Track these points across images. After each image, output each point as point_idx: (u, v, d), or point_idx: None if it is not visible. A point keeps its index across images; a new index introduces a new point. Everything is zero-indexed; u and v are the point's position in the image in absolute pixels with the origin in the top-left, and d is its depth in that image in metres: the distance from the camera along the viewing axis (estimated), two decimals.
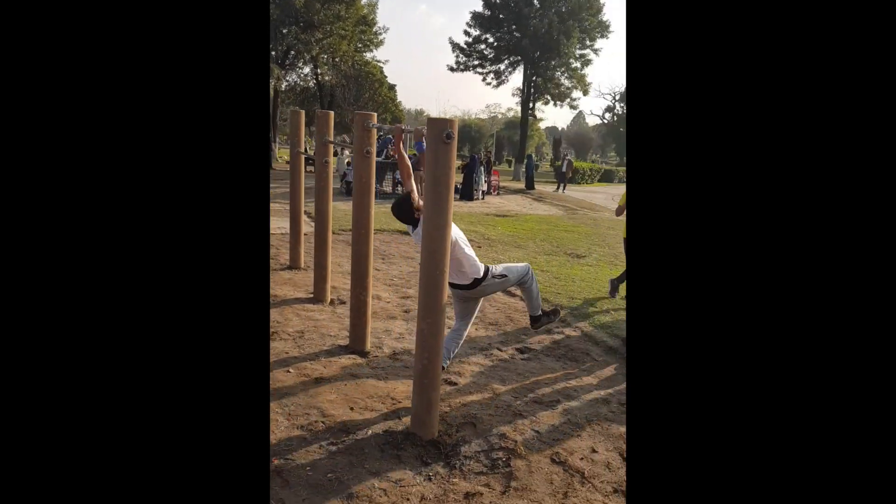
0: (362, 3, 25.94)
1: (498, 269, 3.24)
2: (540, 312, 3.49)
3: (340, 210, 9.14)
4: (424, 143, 2.55)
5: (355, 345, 3.72)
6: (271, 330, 3.95)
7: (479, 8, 28.90)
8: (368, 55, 29.78)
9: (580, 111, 65.70)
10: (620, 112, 47.87)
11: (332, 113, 4.61)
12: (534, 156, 22.73)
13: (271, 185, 12.74)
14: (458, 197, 13.92)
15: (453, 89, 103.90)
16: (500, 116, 48.18)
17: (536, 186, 19.76)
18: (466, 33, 29.17)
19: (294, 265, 5.77)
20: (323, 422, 2.80)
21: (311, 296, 4.81)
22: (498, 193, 16.84)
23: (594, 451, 2.73)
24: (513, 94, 41.18)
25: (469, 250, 3.10)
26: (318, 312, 4.45)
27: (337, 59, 26.69)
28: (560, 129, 63.24)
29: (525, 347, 4.08)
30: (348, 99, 25.84)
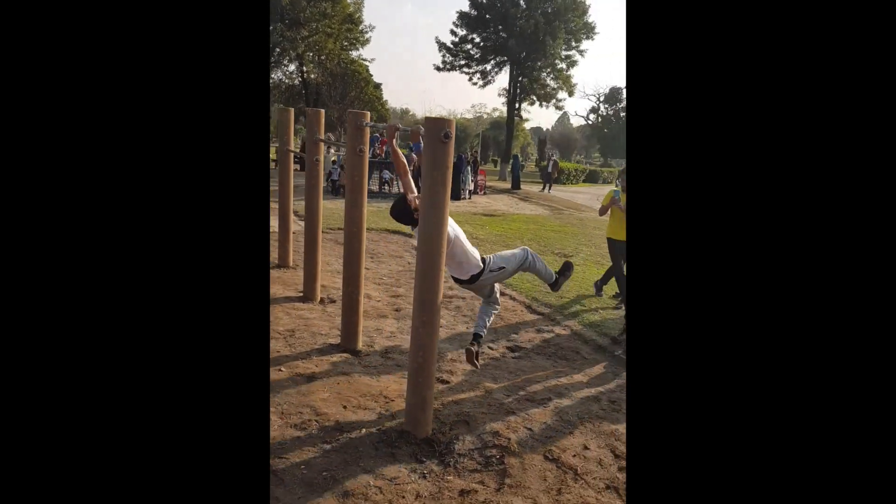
0: (348, 1, 25.83)
1: (495, 262, 3.25)
2: (554, 278, 3.55)
3: (328, 209, 9.09)
4: (422, 144, 2.56)
5: (347, 343, 3.72)
6: None
7: (466, 8, 28.94)
8: (354, 53, 29.69)
9: (565, 112, 66.10)
10: (604, 113, 48.27)
11: (322, 111, 4.59)
12: (519, 156, 22.81)
13: None
14: None
15: (439, 89, 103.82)
16: (485, 116, 48.29)
17: (522, 186, 19.83)
18: (453, 33, 29.23)
19: (283, 264, 5.74)
20: (316, 420, 2.80)
21: (301, 294, 4.79)
22: (485, 193, 16.87)
23: (586, 448, 2.76)
24: (499, 95, 41.32)
25: (468, 246, 3.13)
26: (309, 311, 4.43)
27: (323, 57, 26.57)
28: (545, 129, 63.50)
29: (516, 346, 4.10)
30: (334, 97, 25.72)
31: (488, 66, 29.75)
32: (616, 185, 6.07)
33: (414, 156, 3.38)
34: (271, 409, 2.86)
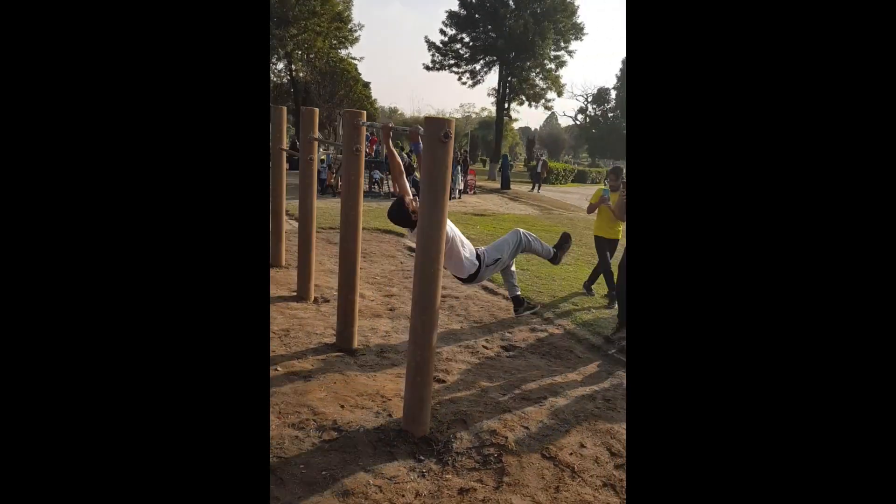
0: None
1: (490, 255, 3.27)
2: (553, 253, 3.58)
3: (318, 208, 9.06)
4: (421, 144, 2.57)
5: (342, 343, 3.72)
6: None
7: (455, 7, 28.95)
8: (343, 52, 29.57)
9: (553, 112, 66.28)
10: (592, 114, 48.51)
11: (316, 110, 4.58)
12: (508, 156, 22.88)
13: None
14: None
15: (427, 88, 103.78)
16: (473, 116, 48.33)
17: (512, 186, 19.89)
18: (443, 32, 29.23)
19: (275, 263, 5.72)
20: (314, 420, 2.80)
21: (295, 294, 4.78)
22: (474, 192, 16.91)
23: (583, 446, 2.79)
24: (488, 94, 41.39)
25: (466, 245, 3.15)
26: (303, 311, 4.43)
27: (312, 56, 26.44)
28: (533, 129, 63.71)
29: (510, 345, 4.13)
30: (323, 96, 25.60)
31: (478, 66, 29.81)
32: (604, 185, 6.13)
33: (405, 155, 3.42)
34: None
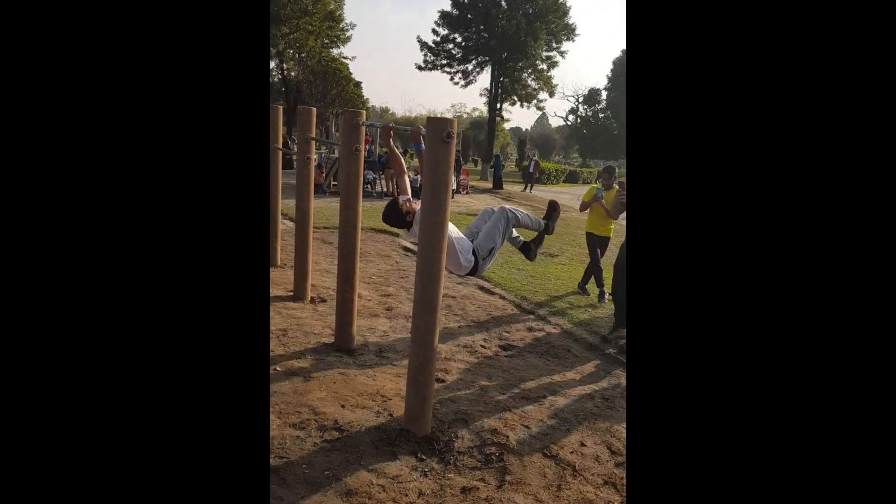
0: None
1: (483, 247, 3.25)
2: (543, 224, 3.58)
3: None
4: (423, 144, 2.58)
5: (341, 342, 3.71)
6: None
7: (447, 7, 28.97)
8: (335, 51, 29.47)
9: (544, 112, 66.53)
10: (583, 114, 48.70)
11: (314, 109, 4.57)
12: (500, 156, 22.93)
13: None
14: None
15: (418, 88, 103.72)
16: (465, 116, 48.37)
17: (504, 186, 19.93)
18: (435, 32, 29.21)
19: (271, 263, 5.70)
20: (315, 420, 2.79)
21: (292, 294, 4.77)
22: (467, 192, 16.92)
23: (583, 444, 2.81)
24: (480, 94, 41.46)
25: (464, 241, 3.15)
26: (300, 311, 4.41)
27: (303, 55, 26.33)
28: (524, 129, 63.89)
29: (508, 344, 4.14)
30: (315, 95, 25.50)
31: (470, 66, 29.82)
32: (597, 183, 6.17)
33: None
34: (269, 409, 2.84)
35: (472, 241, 3.29)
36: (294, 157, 4.92)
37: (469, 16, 28.07)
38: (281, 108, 5.50)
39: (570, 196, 19.85)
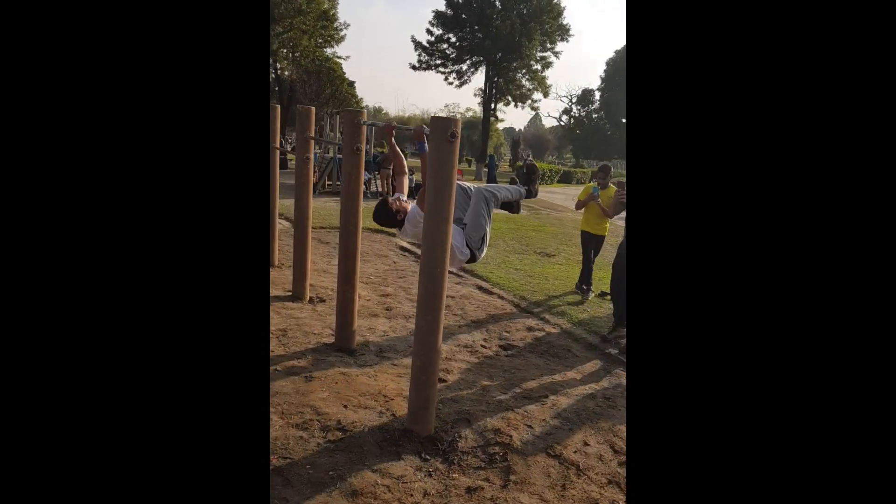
0: None
1: (475, 236, 3.18)
2: (524, 191, 3.51)
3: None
4: (426, 144, 2.57)
5: (342, 342, 3.70)
6: None
7: (440, 7, 28.97)
8: (329, 51, 29.40)
9: (537, 113, 66.66)
10: (577, 115, 48.83)
11: (313, 109, 4.56)
12: (494, 156, 22.93)
13: None
14: None
15: (411, 88, 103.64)
16: (458, 116, 48.30)
17: None
18: (429, 32, 29.21)
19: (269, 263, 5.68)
20: (318, 420, 2.78)
21: (290, 294, 4.75)
22: None
23: (586, 444, 2.81)
24: (475, 95, 41.44)
25: (457, 236, 3.14)
26: (299, 311, 4.40)
27: (297, 55, 26.25)
28: (518, 129, 63.96)
29: (508, 344, 4.14)
30: (309, 95, 25.43)
31: (464, 66, 29.86)
32: (593, 182, 6.20)
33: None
34: (271, 410, 2.83)
35: (462, 228, 3.22)
36: (289, 157, 4.90)
37: (463, 16, 28.09)
38: (279, 107, 5.48)
39: (564, 196, 19.90)
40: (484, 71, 29.49)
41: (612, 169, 6.05)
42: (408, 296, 5.11)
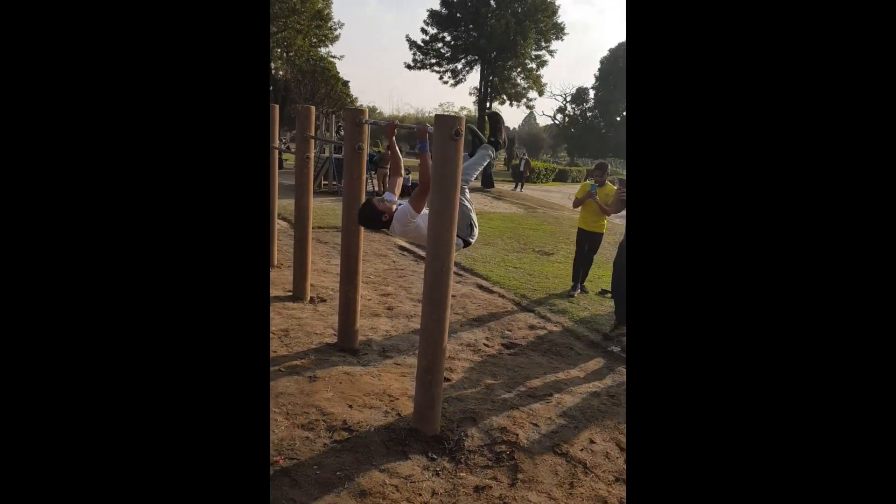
0: None
1: (462, 225, 2.99)
2: (489, 143, 3.28)
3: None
4: (428, 143, 2.56)
5: (344, 342, 3.69)
6: None
7: (436, 6, 28.96)
8: (323, 50, 29.35)
9: (531, 111, 66.64)
10: (571, 113, 48.87)
11: (312, 108, 4.54)
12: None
13: None
14: None
15: (406, 87, 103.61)
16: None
17: (494, 185, 19.95)
18: (424, 31, 29.19)
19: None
20: (324, 420, 2.77)
21: (291, 294, 4.73)
22: None
23: (592, 441, 2.81)
24: (470, 93, 41.43)
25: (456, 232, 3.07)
26: (300, 311, 4.38)
27: (292, 54, 26.18)
28: (512, 128, 63.95)
29: (511, 342, 4.14)
30: (303, 94, 25.37)
31: (459, 65, 29.85)
32: (590, 179, 6.21)
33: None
34: (276, 410, 2.82)
35: None
36: (286, 157, 4.88)
37: (458, 15, 28.08)
38: (277, 107, 5.46)
39: (560, 195, 19.93)
40: (479, 70, 29.50)
41: (609, 167, 6.06)
42: (409, 295, 5.10)
